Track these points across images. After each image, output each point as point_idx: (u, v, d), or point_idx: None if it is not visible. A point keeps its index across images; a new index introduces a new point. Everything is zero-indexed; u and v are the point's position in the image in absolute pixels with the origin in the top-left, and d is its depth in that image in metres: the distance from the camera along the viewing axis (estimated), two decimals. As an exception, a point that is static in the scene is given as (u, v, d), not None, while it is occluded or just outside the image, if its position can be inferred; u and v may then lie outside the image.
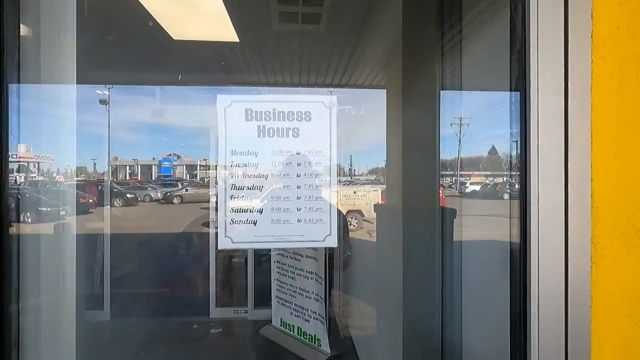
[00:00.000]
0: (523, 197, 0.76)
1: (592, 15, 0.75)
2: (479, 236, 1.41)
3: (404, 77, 1.55)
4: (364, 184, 5.27)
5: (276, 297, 2.39)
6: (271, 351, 2.43)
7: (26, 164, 1.03)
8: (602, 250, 0.76)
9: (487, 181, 1.50)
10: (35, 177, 1.11)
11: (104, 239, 3.41)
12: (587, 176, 0.74)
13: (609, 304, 0.76)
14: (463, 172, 1.51)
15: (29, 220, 0.95)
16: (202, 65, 2.59)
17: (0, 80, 0.79)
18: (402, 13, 1.54)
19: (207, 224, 4.16)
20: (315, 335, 2.18)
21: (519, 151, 0.80)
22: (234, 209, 0.99)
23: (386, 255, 1.93)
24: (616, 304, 0.77)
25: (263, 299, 3.18)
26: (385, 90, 2.10)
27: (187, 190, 7.44)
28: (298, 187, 0.99)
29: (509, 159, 0.93)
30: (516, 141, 0.81)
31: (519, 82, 0.77)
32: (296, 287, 2.27)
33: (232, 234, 0.98)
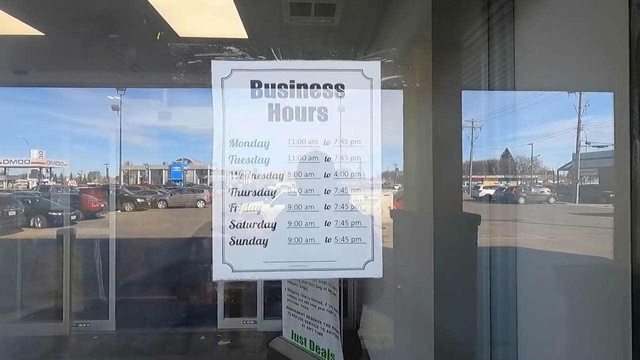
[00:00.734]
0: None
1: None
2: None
3: (434, 73, 1.36)
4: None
5: (287, 307, 2.28)
6: (282, 366, 2.30)
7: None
8: None
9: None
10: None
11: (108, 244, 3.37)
12: None
13: None
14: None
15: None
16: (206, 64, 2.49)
17: None
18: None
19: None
20: (329, 350, 2.05)
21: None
22: (235, 224, 0.70)
23: (409, 262, 1.78)
24: None
25: (273, 309, 3.09)
26: (403, 89, 1.95)
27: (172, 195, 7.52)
28: (326, 193, 0.71)
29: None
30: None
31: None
32: (308, 298, 2.15)
33: (233, 259, 0.70)
